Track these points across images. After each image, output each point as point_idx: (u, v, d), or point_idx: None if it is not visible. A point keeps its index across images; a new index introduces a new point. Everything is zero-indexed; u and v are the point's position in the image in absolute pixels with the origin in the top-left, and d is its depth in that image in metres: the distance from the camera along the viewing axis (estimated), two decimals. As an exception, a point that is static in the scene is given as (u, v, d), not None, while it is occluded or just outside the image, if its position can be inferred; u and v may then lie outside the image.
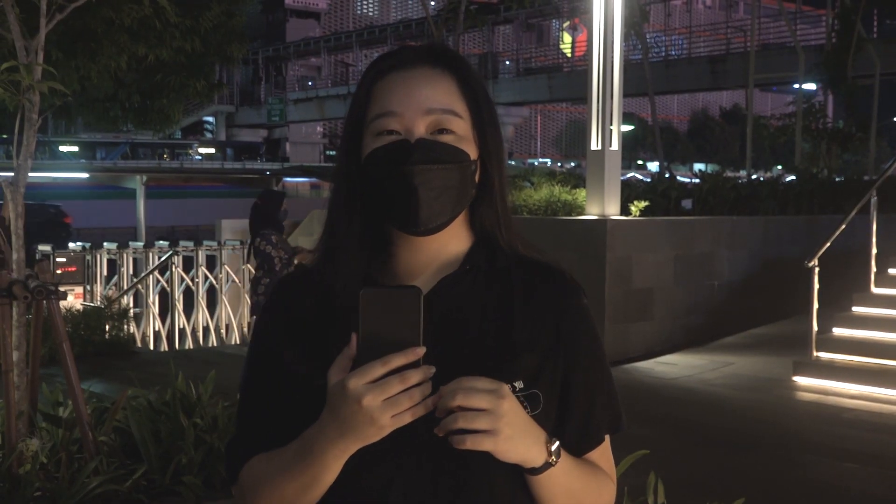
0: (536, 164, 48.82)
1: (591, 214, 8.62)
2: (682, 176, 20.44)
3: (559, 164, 49.62)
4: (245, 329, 12.26)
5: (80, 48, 9.27)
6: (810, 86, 20.49)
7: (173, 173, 43.21)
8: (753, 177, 12.27)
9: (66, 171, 39.10)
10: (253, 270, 12.29)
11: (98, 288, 13.79)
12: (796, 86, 17.60)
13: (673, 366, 8.02)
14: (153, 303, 12.85)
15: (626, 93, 8.96)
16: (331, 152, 53.73)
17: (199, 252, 13.09)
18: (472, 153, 1.25)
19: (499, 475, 1.17)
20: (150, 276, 12.84)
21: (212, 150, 51.44)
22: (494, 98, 1.79)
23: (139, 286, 12.87)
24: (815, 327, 7.43)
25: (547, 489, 1.19)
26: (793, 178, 12.39)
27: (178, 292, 12.55)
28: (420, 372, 1.06)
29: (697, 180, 10.88)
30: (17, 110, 4.20)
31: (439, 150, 1.22)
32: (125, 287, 13.18)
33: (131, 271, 13.72)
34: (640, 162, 56.91)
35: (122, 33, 9.22)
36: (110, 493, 3.89)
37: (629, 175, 31.97)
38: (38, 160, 35.20)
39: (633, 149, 52.64)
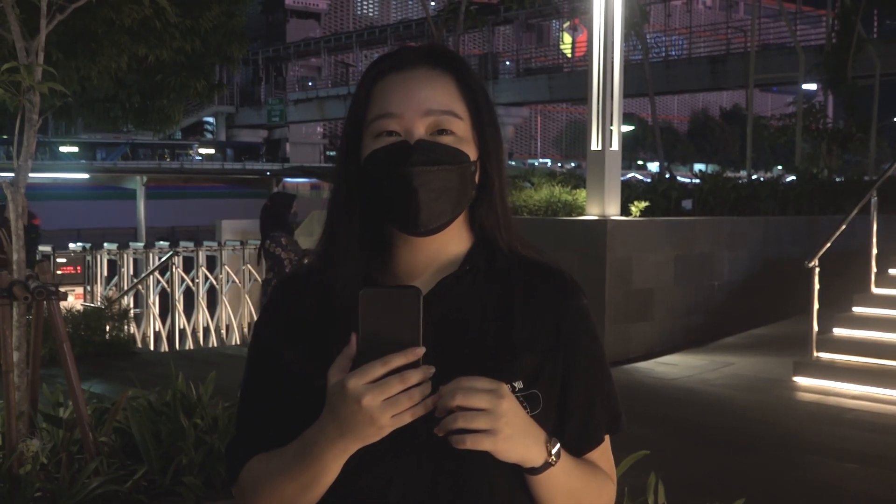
0: (536, 164, 48.78)
1: (591, 215, 8.62)
2: (682, 176, 20.42)
3: (559, 164, 49.59)
4: (245, 330, 12.27)
5: (81, 49, 9.27)
6: (810, 86, 20.50)
7: (173, 174, 43.21)
8: (754, 177, 12.26)
9: (66, 171, 39.10)
10: (253, 271, 12.26)
11: (98, 288, 13.81)
12: (804, 86, 17.58)
13: (673, 366, 8.02)
14: (153, 303, 12.87)
15: (627, 93, 8.96)
16: (331, 153, 53.69)
17: (200, 252, 13.11)
18: (472, 154, 1.26)
19: (499, 475, 1.17)
20: (151, 277, 12.85)
21: (212, 151, 51.45)
22: (494, 98, 1.79)
23: (139, 287, 12.87)
24: (816, 327, 7.43)
25: (547, 489, 1.19)
26: (793, 178, 12.39)
27: (178, 293, 12.56)
28: (420, 372, 1.07)
29: (697, 181, 10.87)
30: (18, 111, 4.20)
31: (439, 152, 1.22)
32: (125, 287, 13.19)
33: (131, 272, 13.74)
34: (640, 162, 56.90)
35: (122, 34, 9.22)
36: (110, 493, 3.89)
37: (629, 175, 31.94)
38: (39, 161, 35.20)
39: (633, 149, 52.66)
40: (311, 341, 1.24)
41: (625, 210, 8.91)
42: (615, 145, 8.61)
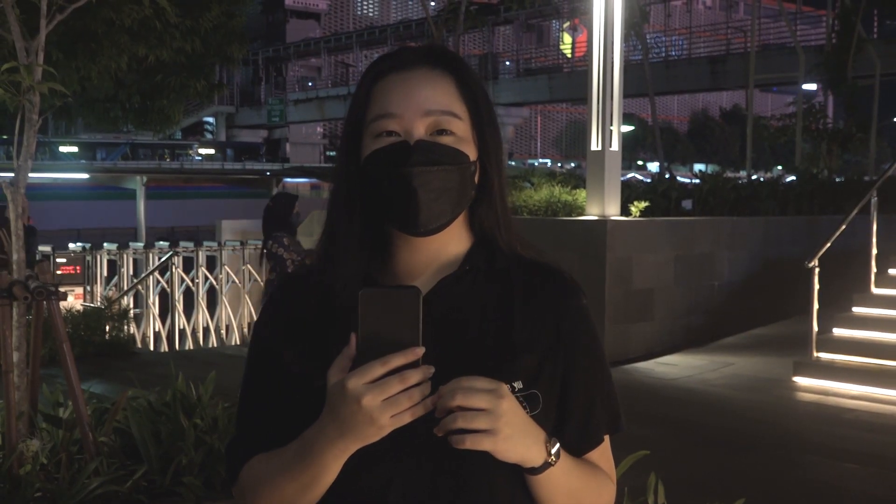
0: (536, 164, 48.82)
1: (591, 215, 8.62)
2: (682, 176, 20.40)
3: (559, 164, 49.63)
4: (245, 330, 12.27)
5: (81, 49, 9.27)
6: (810, 86, 20.49)
7: (173, 174, 43.24)
8: (754, 177, 12.26)
9: (66, 171, 39.12)
10: (253, 271, 12.25)
11: (98, 288, 13.81)
12: (804, 86, 17.58)
13: (673, 366, 8.02)
14: (153, 303, 12.87)
15: (627, 93, 8.96)
16: (331, 153, 53.73)
17: (200, 253, 13.11)
18: (472, 154, 1.26)
19: (498, 475, 1.17)
20: (151, 277, 12.85)
21: (212, 151, 51.48)
22: (494, 99, 1.80)
23: (139, 287, 12.87)
24: (816, 328, 7.43)
25: (546, 489, 1.19)
26: (793, 178, 12.40)
27: (178, 293, 12.56)
28: (419, 372, 1.07)
29: (697, 181, 10.87)
30: (18, 111, 4.20)
31: (438, 152, 1.22)
32: (125, 288, 13.19)
33: (131, 272, 13.74)
34: (640, 162, 56.93)
35: (122, 34, 9.22)
36: (110, 493, 3.89)
37: (629, 175, 31.94)
38: (39, 161, 35.21)
39: (633, 149, 52.68)
40: (311, 341, 1.24)
41: (625, 210, 8.91)
42: (615, 145, 8.61)
